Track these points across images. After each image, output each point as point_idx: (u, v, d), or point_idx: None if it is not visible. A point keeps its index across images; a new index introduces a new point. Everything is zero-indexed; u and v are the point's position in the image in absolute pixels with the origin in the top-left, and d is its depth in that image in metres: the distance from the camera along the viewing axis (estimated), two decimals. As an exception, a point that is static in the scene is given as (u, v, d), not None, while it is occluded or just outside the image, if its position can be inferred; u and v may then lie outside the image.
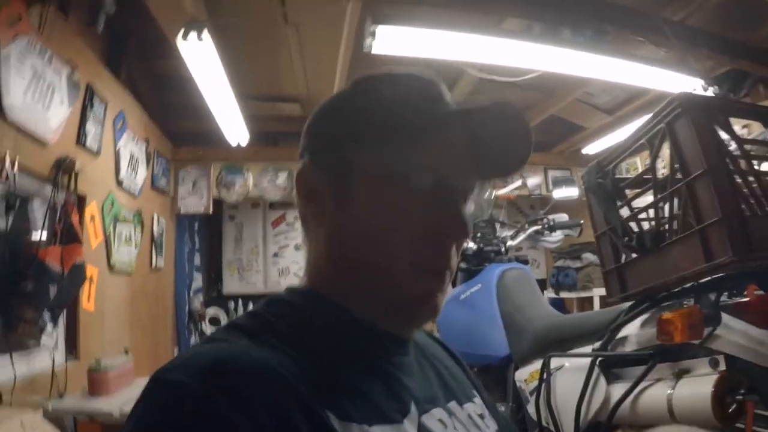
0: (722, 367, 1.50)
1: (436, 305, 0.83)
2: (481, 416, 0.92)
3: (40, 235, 3.05)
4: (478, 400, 0.97)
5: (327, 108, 0.91)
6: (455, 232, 0.82)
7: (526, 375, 2.44)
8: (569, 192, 3.56)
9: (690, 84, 3.66)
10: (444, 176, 0.82)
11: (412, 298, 0.82)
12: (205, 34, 3.13)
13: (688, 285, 1.66)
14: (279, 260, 7.02)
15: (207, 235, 7.04)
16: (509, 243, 3.06)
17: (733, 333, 1.49)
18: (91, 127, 3.50)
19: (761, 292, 1.54)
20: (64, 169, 3.11)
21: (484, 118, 0.84)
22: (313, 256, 0.88)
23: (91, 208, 3.64)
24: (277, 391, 0.63)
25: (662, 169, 1.77)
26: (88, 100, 3.45)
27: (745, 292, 1.59)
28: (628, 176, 2.18)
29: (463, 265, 3.01)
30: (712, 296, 1.59)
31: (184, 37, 3.09)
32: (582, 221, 3.26)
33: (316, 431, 0.64)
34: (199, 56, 3.40)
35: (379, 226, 0.81)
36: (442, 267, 0.82)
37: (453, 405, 0.88)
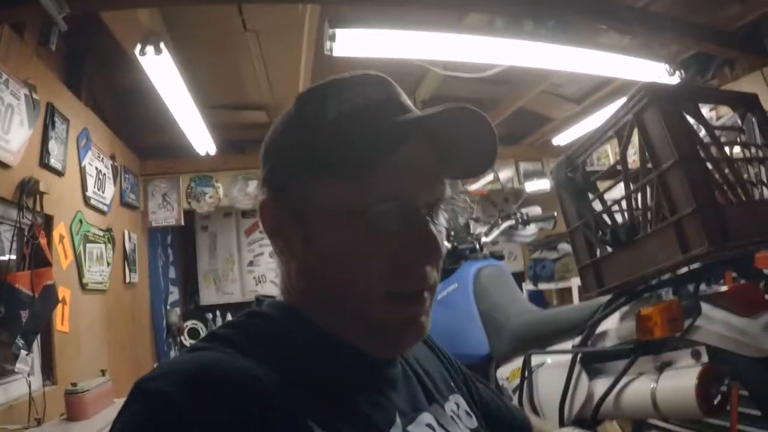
0: (704, 358, 1.49)
1: (422, 326, 0.82)
2: (462, 412, 0.93)
3: (8, 259, 2.98)
4: (458, 397, 0.97)
5: (277, 138, 0.87)
6: (426, 255, 0.80)
7: (507, 373, 2.43)
8: (541, 185, 3.56)
9: (656, 70, 3.67)
10: (404, 198, 0.78)
11: (395, 325, 0.80)
12: (163, 47, 3.08)
13: (666, 277, 1.65)
14: (255, 268, 6.96)
15: (181, 247, 6.97)
16: (484, 240, 3.04)
17: (714, 323, 1.48)
18: (54, 147, 3.43)
19: (738, 280, 1.54)
20: (28, 191, 3.05)
21: (439, 124, 0.80)
22: (286, 279, 0.86)
23: (60, 229, 3.57)
24: (261, 399, 0.62)
25: (633, 156, 1.75)
26: (49, 119, 3.38)
27: (722, 281, 1.59)
28: (599, 169, 2.17)
29: (438, 264, 2.98)
30: (691, 287, 1.59)
31: (142, 51, 3.05)
32: (555, 213, 3.26)
33: None
34: (160, 69, 3.35)
35: (347, 262, 0.78)
36: (420, 290, 0.81)
37: (435, 408, 0.87)
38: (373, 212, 0.76)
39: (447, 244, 2.97)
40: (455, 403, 0.94)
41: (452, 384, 1.01)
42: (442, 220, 0.84)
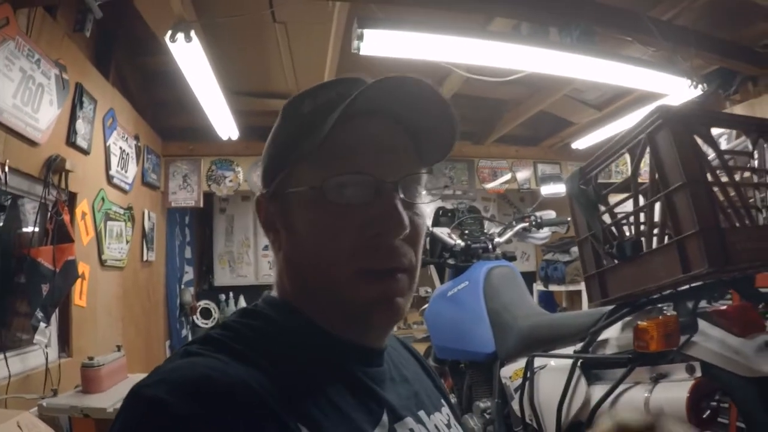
0: (698, 373, 1.55)
1: (396, 308, 0.81)
2: (448, 426, 0.93)
3: (32, 234, 3.06)
4: (445, 409, 0.98)
5: (270, 137, 0.91)
6: (391, 228, 0.79)
7: (511, 372, 2.48)
8: (557, 188, 3.59)
9: (678, 83, 3.68)
10: (365, 172, 0.79)
11: (365, 304, 0.80)
12: (194, 35, 3.13)
13: (667, 292, 1.70)
14: (269, 253, 6.88)
15: (198, 229, 7.05)
16: (497, 240, 3.09)
17: (710, 341, 1.53)
18: (80, 126, 3.51)
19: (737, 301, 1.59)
20: (54, 168, 3.13)
21: (383, 92, 0.79)
22: (279, 273, 0.90)
23: (82, 206, 3.66)
24: (253, 409, 0.64)
25: (644, 167, 1.79)
26: (77, 99, 3.46)
27: (729, 297, 1.63)
28: (612, 182, 2.21)
29: (450, 261, 3.03)
30: (690, 304, 1.63)
31: (172, 38, 3.09)
32: (569, 218, 3.29)
33: None
34: (188, 55, 3.40)
35: (316, 243, 0.80)
36: (392, 267, 0.80)
37: (422, 414, 0.88)
38: (330, 185, 0.78)
39: (460, 242, 3.01)
40: (443, 414, 0.95)
41: (443, 396, 1.02)
42: (419, 199, 0.85)
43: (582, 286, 5.73)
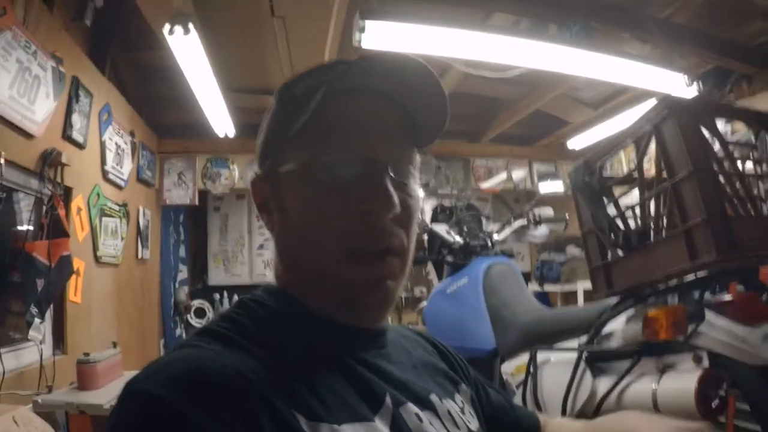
0: (705, 363, 1.54)
1: (385, 290, 0.82)
2: (462, 411, 0.92)
3: (26, 228, 3.04)
4: (460, 396, 0.96)
5: (266, 121, 0.91)
6: (378, 207, 0.79)
7: (512, 368, 2.47)
8: (555, 187, 3.60)
9: (674, 80, 3.69)
10: (355, 150, 0.80)
11: (352, 286, 0.80)
12: (192, 27, 3.11)
13: (673, 283, 1.69)
14: (264, 252, 6.99)
15: (192, 227, 7.03)
16: (495, 237, 3.08)
17: (716, 330, 1.53)
18: (76, 120, 3.49)
19: (743, 291, 1.58)
20: (50, 162, 3.11)
21: (374, 70, 0.81)
22: (274, 260, 0.91)
23: (78, 201, 3.64)
24: (247, 398, 0.64)
25: (647, 164, 1.79)
26: (73, 92, 3.44)
27: (727, 291, 1.63)
28: (615, 175, 2.20)
29: (449, 258, 3.02)
30: (696, 294, 1.63)
31: (170, 31, 3.07)
32: (567, 215, 3.29)
33: None
34: (186, 49, 3.38)
35: (309, 224, 0.81)
36: (381, 248, 0.80)
37: (432, 399, 0.87)
38: (318, 163, 0.79)
39: (459, 239, 3.00)
40: (456, 401, 0.93)
41: (458, 382, 1.01)
42: (410, 180, 0.85)
43: (578, 287, 5.76)
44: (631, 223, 1.80)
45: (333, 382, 0.75)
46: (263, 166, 0.88)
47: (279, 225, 0.86)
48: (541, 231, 3.32)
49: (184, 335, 6.42)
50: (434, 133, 0.91)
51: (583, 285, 5.70)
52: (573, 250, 5.89)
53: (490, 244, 3.02)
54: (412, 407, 0.80)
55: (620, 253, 1.79)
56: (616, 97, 5.32)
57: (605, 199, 1.86)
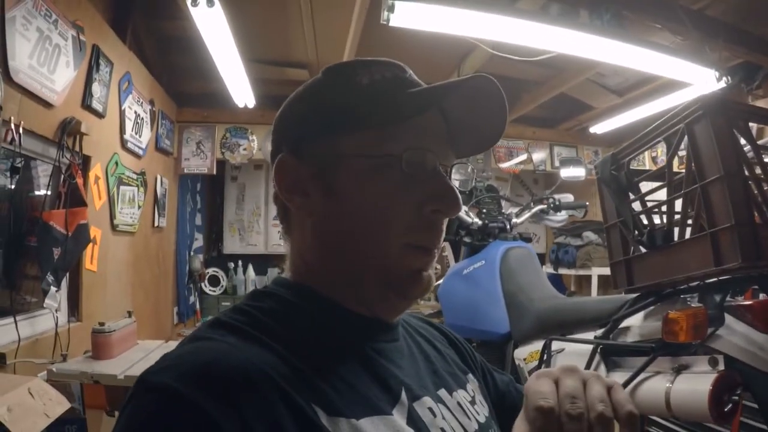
0: (721, 366, 1.52)
1: (429, 281, 0.85)
2: (472, 402, 0.92)
3: (44, 196, 3.05)
4: (470, 385, 0.97)
5: (301, 100, 0.90)
6: (447, 208, 0.83)
7: (525, 354, 2.47)
8: (577, 172, 3.56)
9: (703, 74, 3.63)
10: (429, 155, 0.82)
11: (403, 276, 0.82)
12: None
13: (694, 284, 1.67)
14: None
15: (209, 196, 7.06)
16: (514, 220, 3.06)
17: (734, 335, 1.52)
18: (96, 89, 3.48)
19: (764, 296, 1.56)
20: (69, 131, 3.10)
21: (462, 93, 0.83)
22: (297, 248, 0.89)
23: (96, 170, 3.63)
24: (264, 392, 0.64)
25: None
26: (93, 62, 3.42)
27: (745, 297, 1.61)
28: (639, 168, 2.17)
29: (467, 239, 3.01)
30: (717, 297, 1.61)
31: (194, 3, 3.03)
32: (587, 203, 3.28)
33: (304, 430, 0.64)
34: (210, 20, 3.35)
35: (371, 212, 0.80)
36: (433, 245, 0.84)
37: (443, 392, 0.87)
38: (404, 157, 0.80)
39: (477, 220, 2.99)
40: (467, 391, 0.94)
41: (467, 371, 1.02)
42: (458, 187, 0.89)
43: (592, 272, 5.73)
44: (656, 220, 1.78)
45: (352, 374, 0.75)
46: (300, 147, 0.86)
47: (322, 210, 0.83)
48: (560, 216, 3.31)
49: (197, 304, 6.47)
50: (480, 150, 0.98)
51: (597, 270, 5.68)
52: (590, 235, 5.85)
53: (508, 227, 3.00)
54: (426, 401, 0.81)
55: (643, 249, 1.77)
56: (642, 86, 5.26)
57: (631, 195, 1.84)
